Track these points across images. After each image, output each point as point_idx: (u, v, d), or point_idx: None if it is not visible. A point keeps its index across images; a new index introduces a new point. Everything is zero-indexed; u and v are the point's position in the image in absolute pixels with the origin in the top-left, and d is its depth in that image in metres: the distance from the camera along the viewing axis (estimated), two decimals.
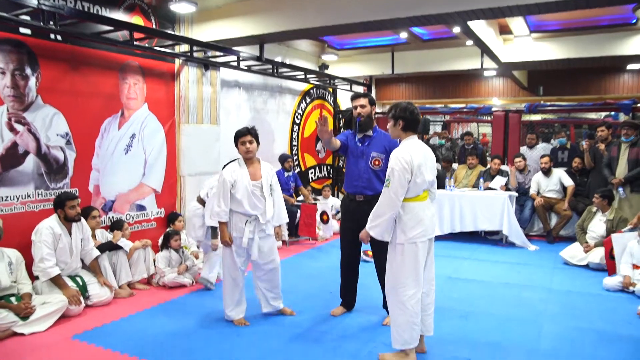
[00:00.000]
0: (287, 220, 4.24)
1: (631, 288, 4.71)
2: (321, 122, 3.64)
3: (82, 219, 4.47)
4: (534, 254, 6.44)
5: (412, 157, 3.08)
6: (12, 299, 3.84)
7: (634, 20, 6.82)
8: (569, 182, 7.04)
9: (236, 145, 3.94)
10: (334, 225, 7.75)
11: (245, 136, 3.87)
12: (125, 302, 4.53)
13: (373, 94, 10.64)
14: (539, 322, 4.03)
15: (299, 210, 7.00)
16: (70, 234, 4.29)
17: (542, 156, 7.26)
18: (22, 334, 3.70)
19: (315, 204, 7.13)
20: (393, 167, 3.08)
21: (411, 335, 3.15)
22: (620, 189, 6.04)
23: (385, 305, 4.05)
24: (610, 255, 5.23)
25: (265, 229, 3.99)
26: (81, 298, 4.17)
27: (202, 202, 4.91)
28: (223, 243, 3.94)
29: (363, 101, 3.92)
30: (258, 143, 3.96)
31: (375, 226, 3.16)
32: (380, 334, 3.74)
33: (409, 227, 3.13)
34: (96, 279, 4.43)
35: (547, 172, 7.16)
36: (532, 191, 7.18)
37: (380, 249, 3.98)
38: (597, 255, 5.56)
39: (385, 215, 3.11)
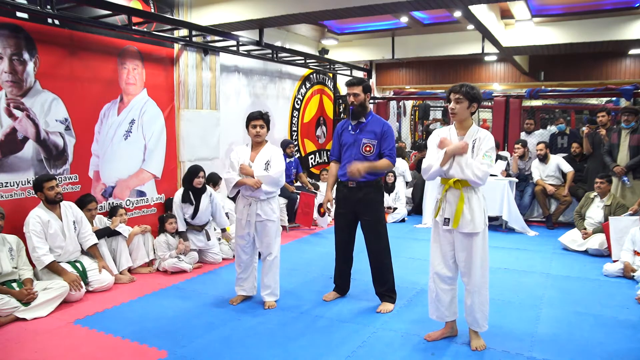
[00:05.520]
0: (272, 189, 4.02)
1: (632, 274, 4.72)
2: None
3: (73, 204, 4.46)
4: (533, 239, 6.47)
5: None
6: (14, 284, 3.87)
7: (638, 4, 6.75)
8: (568, 168, 7.03)
9: (247, 127, 4.01)
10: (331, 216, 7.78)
11: (257, 120, 3.97)
12: (126, 287, 4.55)
13: (373, 79, 10.58)
14: (538, 306, 4.06)
15: (298, 197, 7.00)
16: (60, 218, 4.27)
17: (538, 143, 7.24)
18: (24, 319, 3.72)
19: (315, 194, 7.13)
20: (493, 145, 3.09)
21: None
22: (625, 178, 6.01)
23: (378, 292, 4.07)
24: None
25: (262, 214, 3.96)
26: (82, 283, 4.19)
27: None
28: (253, 184, 3.87)
29: (357, 89, 3.86)
30: (268, 128, 4.04)
31: (463, 169, 3.03)
32: (375, 319, 3.78)
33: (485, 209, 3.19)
34: (96, 265, 4.44)
35: (543, 159, 7.15)
36: (536, 177, 7.16)
37: (374, 234, 3.98)
38: (596, 241, 5.57)
39: (468, 172, 3.01)
